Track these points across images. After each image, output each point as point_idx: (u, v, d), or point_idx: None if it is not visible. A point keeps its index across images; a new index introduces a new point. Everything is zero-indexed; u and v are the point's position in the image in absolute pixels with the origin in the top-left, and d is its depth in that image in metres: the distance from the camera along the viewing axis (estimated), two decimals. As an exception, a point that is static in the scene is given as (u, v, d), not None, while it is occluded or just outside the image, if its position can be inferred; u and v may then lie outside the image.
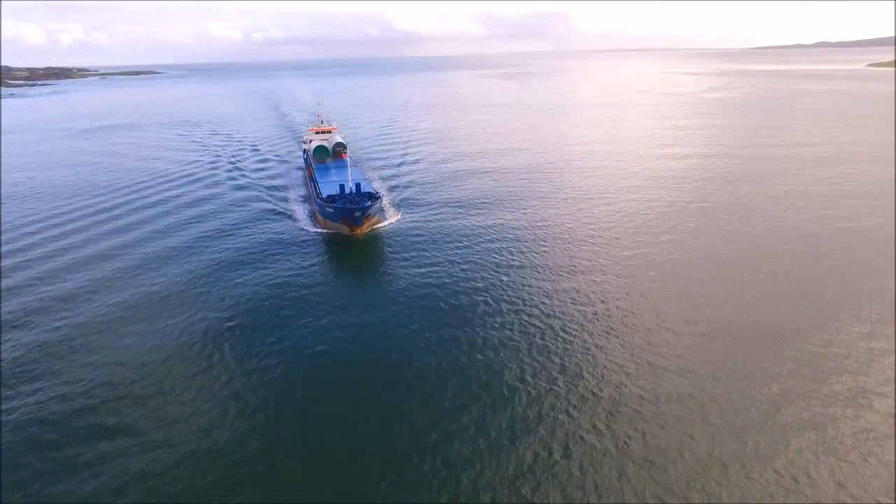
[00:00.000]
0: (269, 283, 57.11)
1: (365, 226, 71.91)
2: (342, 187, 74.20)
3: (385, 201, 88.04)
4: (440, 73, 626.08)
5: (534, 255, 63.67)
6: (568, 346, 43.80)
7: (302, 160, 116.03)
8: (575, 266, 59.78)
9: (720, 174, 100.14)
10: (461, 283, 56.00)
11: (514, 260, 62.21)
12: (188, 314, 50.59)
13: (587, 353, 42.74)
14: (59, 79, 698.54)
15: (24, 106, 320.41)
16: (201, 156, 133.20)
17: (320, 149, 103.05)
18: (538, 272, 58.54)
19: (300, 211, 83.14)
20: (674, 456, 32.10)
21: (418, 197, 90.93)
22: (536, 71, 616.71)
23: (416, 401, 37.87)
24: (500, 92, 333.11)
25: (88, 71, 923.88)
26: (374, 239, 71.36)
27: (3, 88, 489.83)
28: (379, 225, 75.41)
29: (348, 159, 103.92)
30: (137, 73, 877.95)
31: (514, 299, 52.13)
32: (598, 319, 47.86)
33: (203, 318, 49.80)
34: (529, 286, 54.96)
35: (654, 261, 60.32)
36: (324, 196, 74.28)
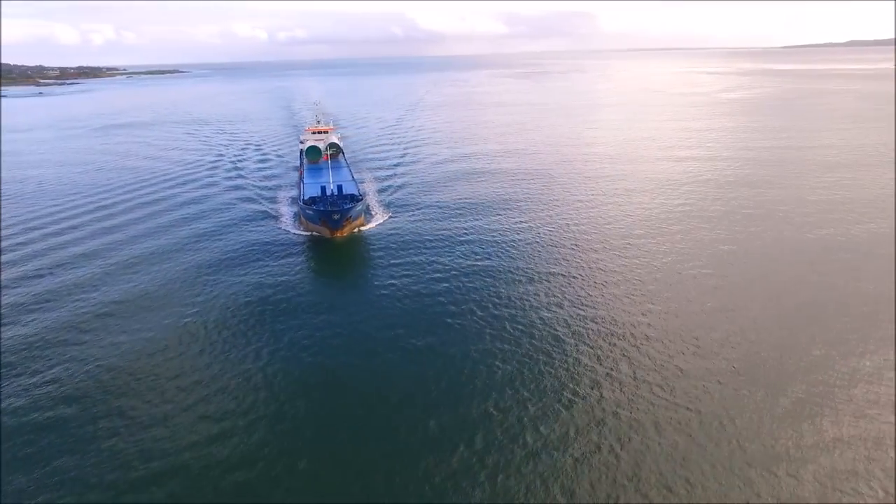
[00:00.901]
0: (241, 285, 57.52)
1: (346, 228, 71.91)
2: (323, 189, 74.67)
3: (374, 203, 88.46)
4: (458, 73, 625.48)
5: (516, 259, 62.96)
6: (550, 357, 43.16)
7: (298, 161, 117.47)
8: (561, 273, 58.75)
9: (716, 178, 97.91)
10: (437, 289, 55.53)
11: (494, 264, 61.55)
12: (159, 315, 51.34)
13: (575, 365, 42.03)
14: (89, 78, 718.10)
15: (49, 104, 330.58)
16: (204, 155, 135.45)
17: (313, 149, 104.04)
18: (517, 276, 57.92)
19: (287, 213, 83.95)
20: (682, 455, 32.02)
21: (409, 199, 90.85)
22: (553, 70, 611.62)
23: (358, 403, 38.02)
24: (512, 91, 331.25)
25: (117, 70, 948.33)
26: (355, 242, 71.38)
27: (32, 87, 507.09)
28: (362, 227, 75.47)
29: (337, 160, 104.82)
30: (163, 73, 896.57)
31: (488, 304, 51.63)
32: (587, 328, 47.11)
33: (173, 318, 50.56)
34: (507, 291, 54.36)
35: (644, 268, 59.27)
36: (305, 198, 74.96)
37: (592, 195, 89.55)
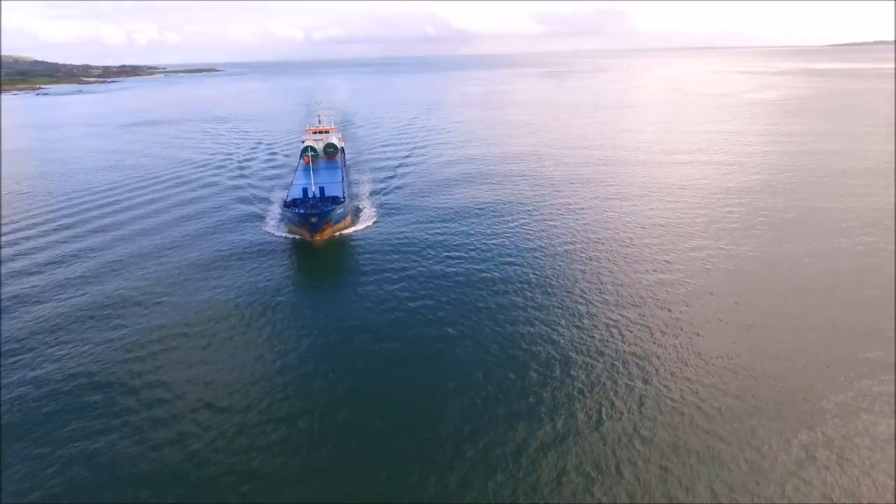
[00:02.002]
0: (214, 287, 57.86)
1: (326, 231, 71.54)
2: (305, 191, 74.73)
3: (366, 205, 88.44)
4: (484, 72, 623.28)
5: (503, 265, 61.35)
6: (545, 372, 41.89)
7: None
8: (554, 283, 56.90)
9: (718, 183, 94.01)
10: (411, 296, 54.37)
11: (479, 271, 60.02)
12: (131, 317, 52.15)
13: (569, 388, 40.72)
14: (129, 76, 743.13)
15: (86, 101, 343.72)
16: (214, 154, 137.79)
17: (308, 150, 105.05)
18: (503, 283, 56.40)
19: (275, 215, 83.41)
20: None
21: (404, 201, 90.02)
22: (579, 70, 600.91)
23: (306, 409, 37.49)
24: (530, 90, 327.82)
25: (156, 69, 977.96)
26: (335, 245, 70.74)
27: (74, 85, 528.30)
28: (346, 230, 75.03)
29: (334, 161, 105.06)
30: (199, 71, 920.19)
31: (465, 313, 50.45)
32: (581, 339, 45.68)
33: (143, 321, 51.17)
34: (491, 300, 53.00)
35: (637, 277, 57.25)
36: (287, 200, 75.45)
37: (590, 201, 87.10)
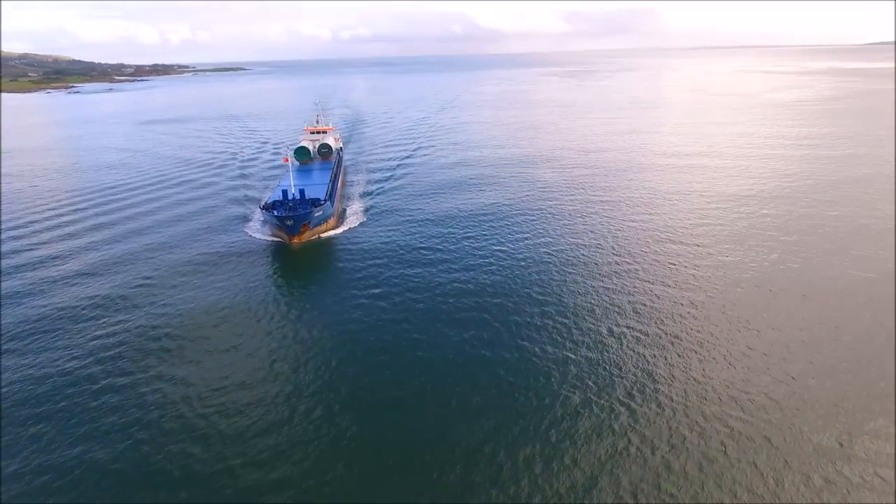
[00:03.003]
0: (188, 290, 58.33)
1: (305, 234, 71.32)
2: (285, 193, 74.21)
3: (356, 207, 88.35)
4: (507, 71, 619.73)
5: (490, 274, 59.94)
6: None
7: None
8: (546, 291, 55.33)
9: (701, 188, 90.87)
10: (383, 304, 53.54)
11: (463, 279, 58.89)
12: (98, 323, 52.90)
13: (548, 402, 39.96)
14: (160, 75, 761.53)
15: (112, 99, 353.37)
16: (219, 153, 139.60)
17: (301, 150, 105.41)
18: (488, 292, 55.14)
19: (259, 217, 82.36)
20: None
21: (394, 204, 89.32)
22: (603, 69, 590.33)
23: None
24: (549, 90, 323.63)
25: (186, 68, 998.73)
26: (312, 249, 70.31)
27: (106, 84, 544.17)
28: (328, 233, 74.75)
29: (328, 161, 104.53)
30: (226, 70, 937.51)
31: (443, 325, 49.22)
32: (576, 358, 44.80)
33: (112, 326, 51.72)
34: (471, 308, 51.89)
35: (629, 289, 55.78)
36: (268, 202, 75.23)
37: (581, 205, 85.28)
